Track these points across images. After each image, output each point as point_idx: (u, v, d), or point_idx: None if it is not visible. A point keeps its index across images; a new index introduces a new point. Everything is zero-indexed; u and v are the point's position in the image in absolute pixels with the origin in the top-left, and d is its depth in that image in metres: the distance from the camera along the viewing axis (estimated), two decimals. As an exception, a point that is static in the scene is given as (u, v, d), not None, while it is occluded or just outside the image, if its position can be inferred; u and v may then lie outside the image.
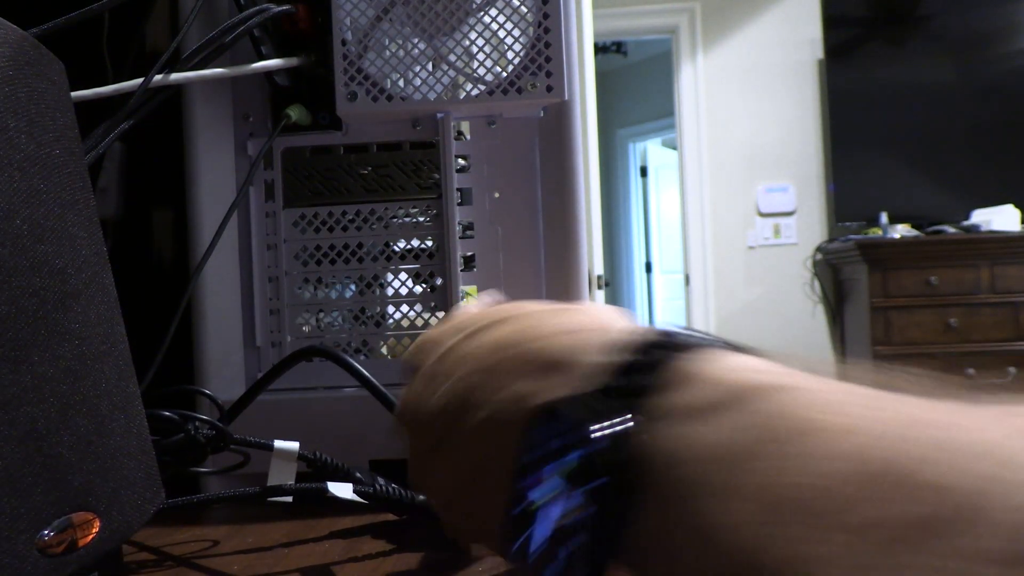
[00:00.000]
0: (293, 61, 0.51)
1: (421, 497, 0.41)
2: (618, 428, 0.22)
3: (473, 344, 0.30)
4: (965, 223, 2.93)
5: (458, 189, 0.52)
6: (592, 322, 0.28)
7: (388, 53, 0.49)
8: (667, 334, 0.24)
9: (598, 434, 0.22)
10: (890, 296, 2.81)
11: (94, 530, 0.27)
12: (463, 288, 0.52)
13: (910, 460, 0.17)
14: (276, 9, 0.49)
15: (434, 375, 0.30)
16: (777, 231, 3.43)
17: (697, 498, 0.19)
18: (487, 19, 0.49)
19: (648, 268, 5.46)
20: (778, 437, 0.19)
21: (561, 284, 0.52)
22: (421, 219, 0.53)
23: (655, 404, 0.22)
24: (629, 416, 0.22)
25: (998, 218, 2.86)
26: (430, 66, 0.50)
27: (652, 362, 0.23)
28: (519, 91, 0.49)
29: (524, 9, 0.49)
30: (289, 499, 0.41)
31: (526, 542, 0.23)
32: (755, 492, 0.18)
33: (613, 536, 0.21)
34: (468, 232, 0.53)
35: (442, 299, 0.52)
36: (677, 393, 0.22)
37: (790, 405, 0.20)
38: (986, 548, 0.15)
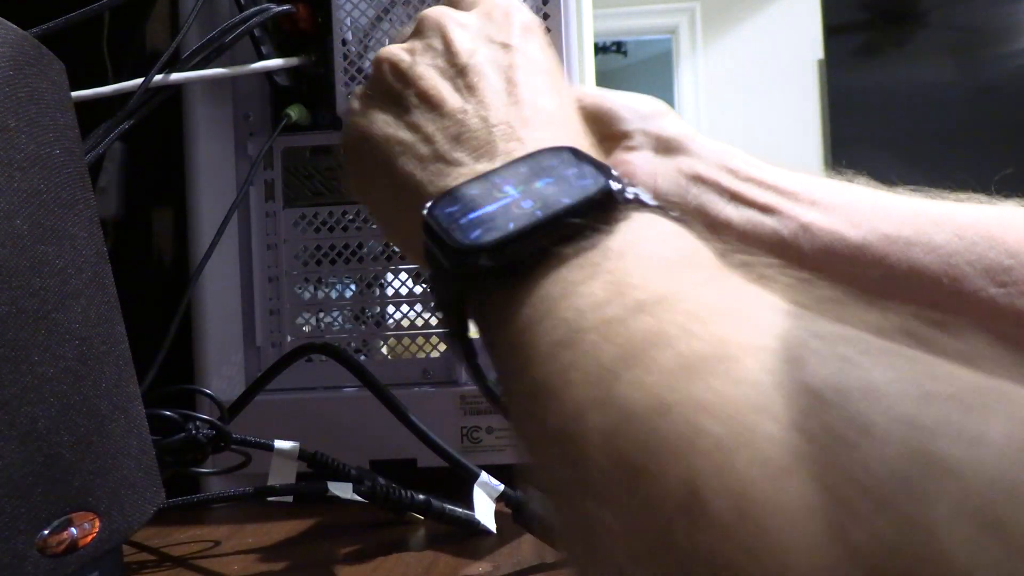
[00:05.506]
0: (293, 61, 0.51)
1: (421, 497, 0.41)
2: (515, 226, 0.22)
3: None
4: (965, 223, 2.93)
5: (458, 189, 0.52)
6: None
7: (388, 53, 0.49)
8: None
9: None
10: (890, 296, 2.80)
11: (94, 530, 0.27)
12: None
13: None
14: (276, 9, 0.49)
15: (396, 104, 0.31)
16: (777, 231, 3.42)
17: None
18: (487, 19, 0.49)
19: (648, 268, 5.46)
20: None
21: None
22: (421, 219, 0.53)
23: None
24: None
25: (998, 218, 2.85)
26: (430, 66, 0.50)
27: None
28: (519, 91, 0.49)
29: (524, 9, 0.49)
30: (289, 499, 0.41)
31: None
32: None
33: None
34: (468, 232, 0.53)
35: (442, 299, 0.52)
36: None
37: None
38: None
